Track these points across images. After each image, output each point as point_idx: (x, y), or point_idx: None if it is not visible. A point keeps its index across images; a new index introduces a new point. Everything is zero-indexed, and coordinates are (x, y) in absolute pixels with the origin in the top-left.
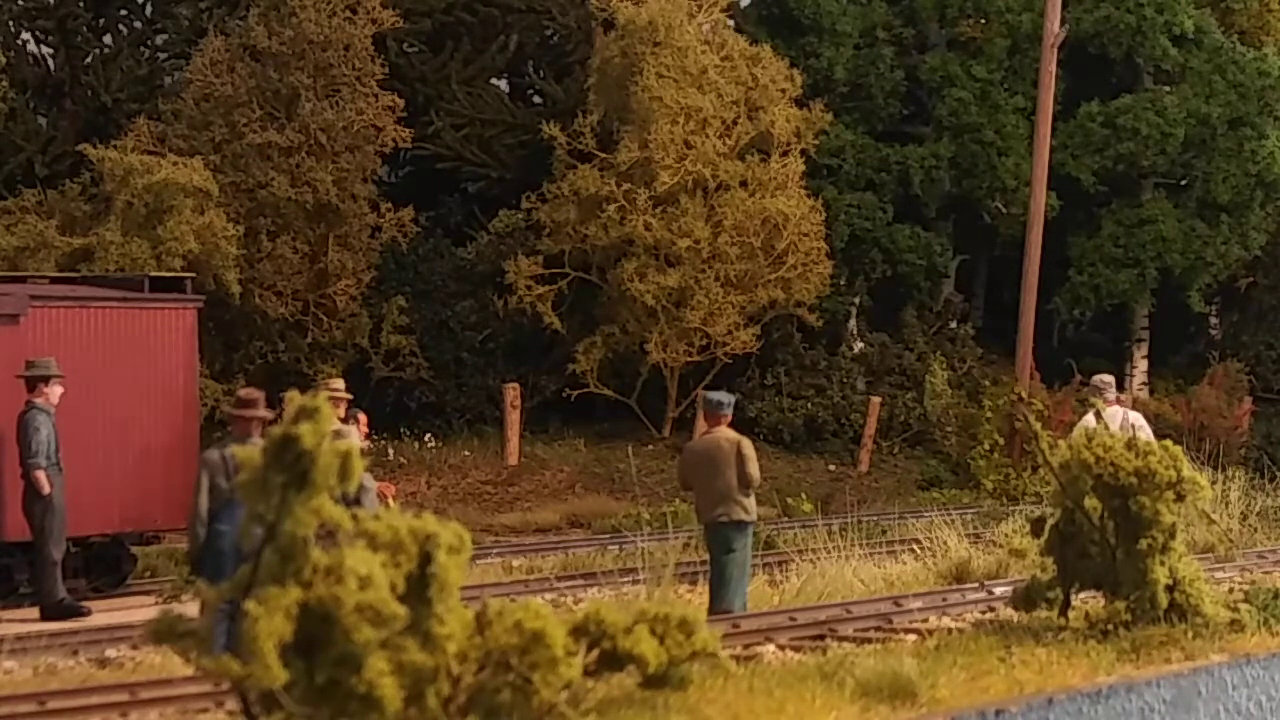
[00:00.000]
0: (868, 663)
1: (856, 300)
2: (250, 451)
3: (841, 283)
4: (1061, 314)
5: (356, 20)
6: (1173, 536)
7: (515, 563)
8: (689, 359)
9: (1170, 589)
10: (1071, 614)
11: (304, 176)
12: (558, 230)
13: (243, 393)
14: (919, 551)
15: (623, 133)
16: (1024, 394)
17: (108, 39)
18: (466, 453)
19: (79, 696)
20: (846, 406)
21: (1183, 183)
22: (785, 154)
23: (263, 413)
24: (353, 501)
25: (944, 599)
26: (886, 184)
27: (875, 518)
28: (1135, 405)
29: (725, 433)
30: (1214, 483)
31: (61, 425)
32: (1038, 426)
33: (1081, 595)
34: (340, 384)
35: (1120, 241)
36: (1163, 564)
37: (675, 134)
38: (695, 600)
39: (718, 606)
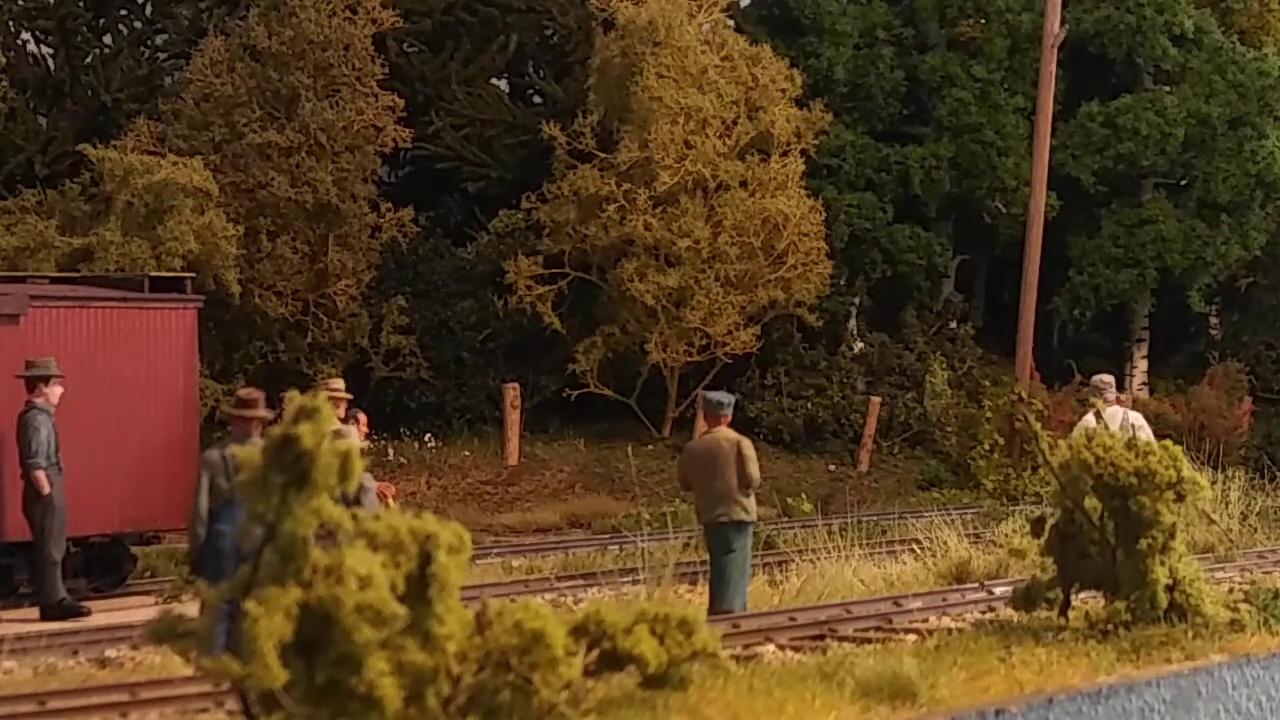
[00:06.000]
0: (868, 663)
1: (856, 300)
2: (250, 451)
3: (841, 283)
4: (1061, 314)
5: (356, 20)
6: (1173, 536)
7: (515, 563)
8: (689, 359)
9: (1170, 589)
10: (1071, 614)
11: (304, 176)
12: (558, 230)
13: (243, 393)
14: (919, 551)
15: (623, 133)
16: (1024, 394)
17: (108, 39)
18: (466, 453)
19: (79, 696)
20: (846, 406)
21: (1183, 183)
22: (785, 154)
23: (263, 413)
24: (353, 501)
25: (944, 599)
26: (886, 184)
27: (875, 518)
28: (1135, 405)
29: (725, 433)
30: (1214, 483)
31: (61, 425)
32: (1038, 426)
33: (1081, 595)
34: (340, 384)
35: (1120, 241)
36: (1163, 564)
37: (675, 134)
38: (695, 600)
39: (718, 606)
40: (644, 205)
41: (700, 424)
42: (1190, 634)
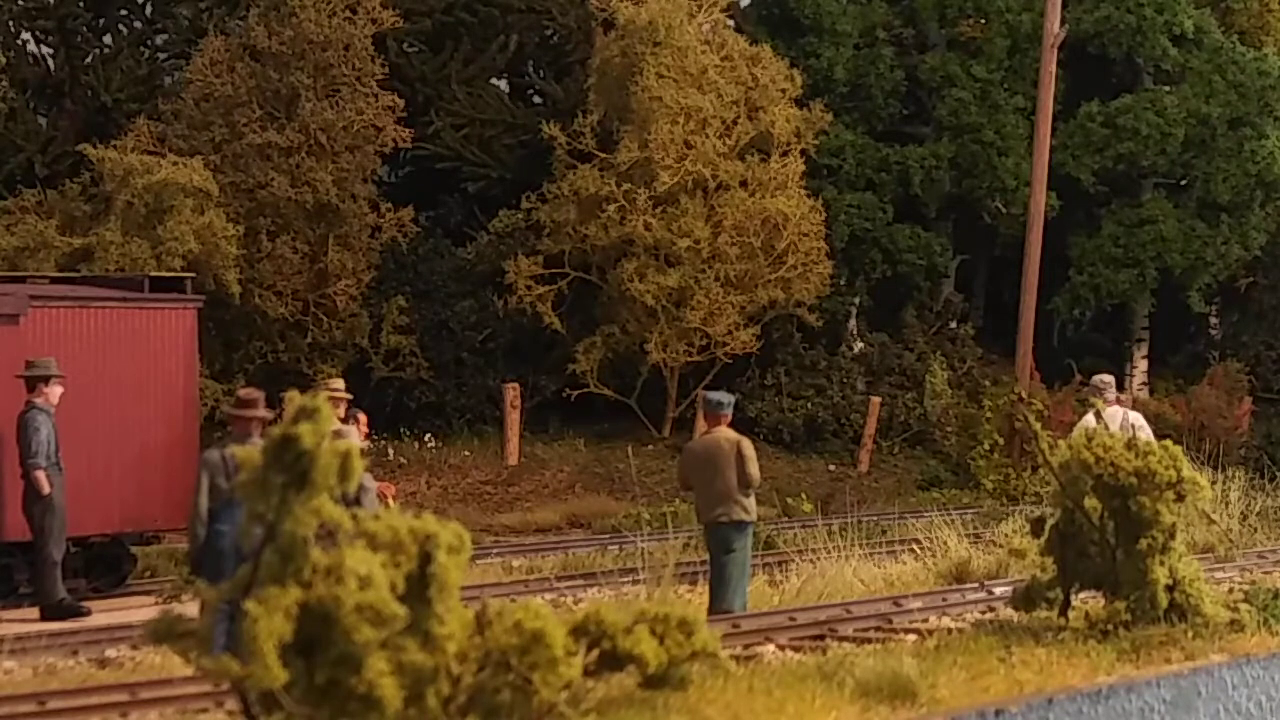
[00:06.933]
0: (868, 663)
1: (856, 300)
2: (250, 451)
3: (841, 283)
4: (1061, 314)
5: (356, 20)
6: (1173, 536)
7: (515, 563)
8: (689, 359)
9: (1170, 589)
10: (1071, 614)
11: (304, 176)
12: (558, 230)
13: (243, 393)
14: (919, 551)
15: (623, 133)
16: (1024, 394)
17: (108, 39)
18: (466, 453)
19: (79, 696)
20: (846, 406)
21: (1183, 183)
22: (785, 154)
23: (263, 413)
24: (353, 501)
25: (944, 599)
26: (886, 184)
27: (875, 518)
28: (1135, 405)
29: (725, 433)
30: (1214, 483)
31: (61, 425)
32: (1038, 426)
33: (1081, 595)
34: (340, 384)
35: (1120, 241)
36: (1163, 564)
37: (675, 134)
38: (695, 600)
39: (718, 606)
40: (644, 205)
41: (700, 424)
42: (1190, 634)
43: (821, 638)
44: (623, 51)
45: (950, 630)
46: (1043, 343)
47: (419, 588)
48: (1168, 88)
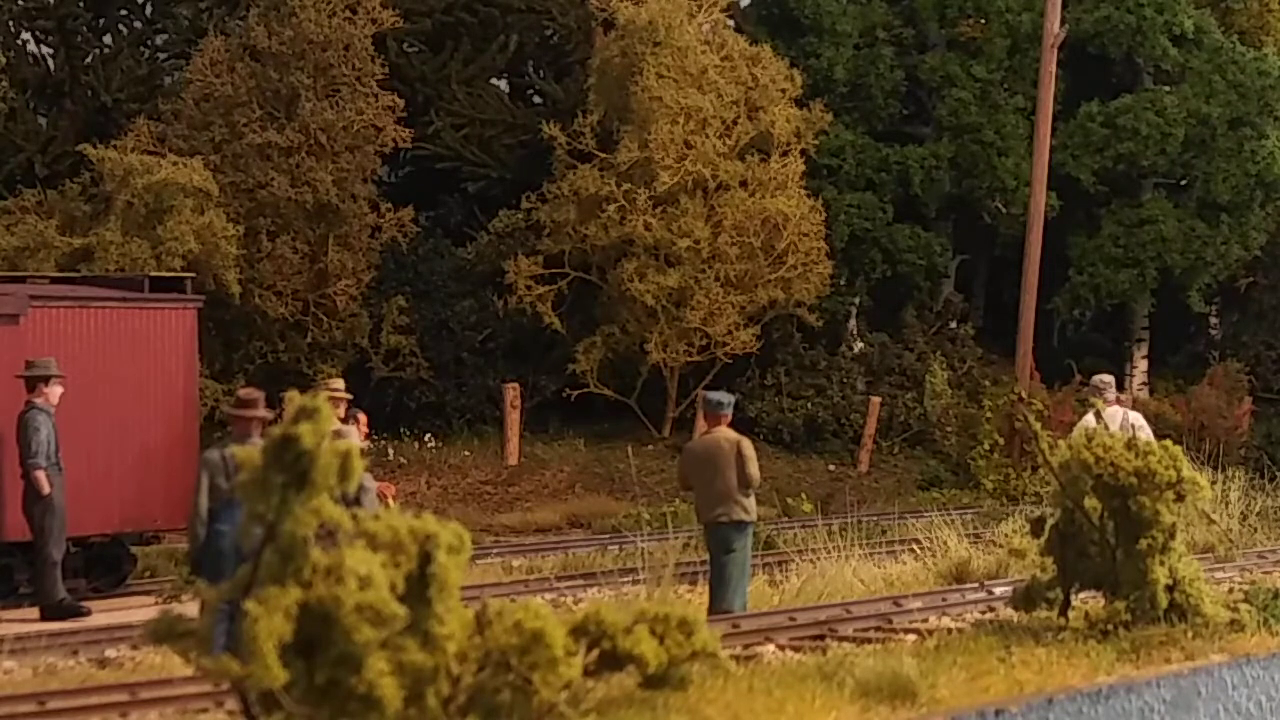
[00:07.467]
0: (868, 663)
1: (856, 300)
2: (250, 451)
3: (841, 283)
4: (1061, 314)
5: (356, 20)
6: (1173, 536)
7: (515, 563)
8: (689, 359)
9: (1170, 589)
10: (1071, 614)
11: (304, 176)
12: (558, 230)
13: (243, 393)
14: (919, 551)
15: (623, 133)
16: (1024, 394)
17: (108, 39)
18: (466, 453)
19: (79, 696)
20: (846, 406)
21: (1183, 183)
22: (785, 154)
23: (263, 413)
24: (353, 501)
25: (944, 599)
26: (886, 184)
27: (875, 518)
28: (1135, 405)
29: (725, 433)
30: (1214, 483)
31: (61, 425)
32: (1038, 426)
33: (1081, 595)
34: (340, 384)
35: (1120, 241)
36: (1163, 564)
37: (675, 134)
38: (695, 600)
39: (718, 606)
40: (644, 205)
41: (700, 424)
42: (1190, 634)
43: (821, 638)
44: (623, 51)
45: (950, 630)
46: (1043, 343)
47: (419, 588)
48: (1168, 88)
